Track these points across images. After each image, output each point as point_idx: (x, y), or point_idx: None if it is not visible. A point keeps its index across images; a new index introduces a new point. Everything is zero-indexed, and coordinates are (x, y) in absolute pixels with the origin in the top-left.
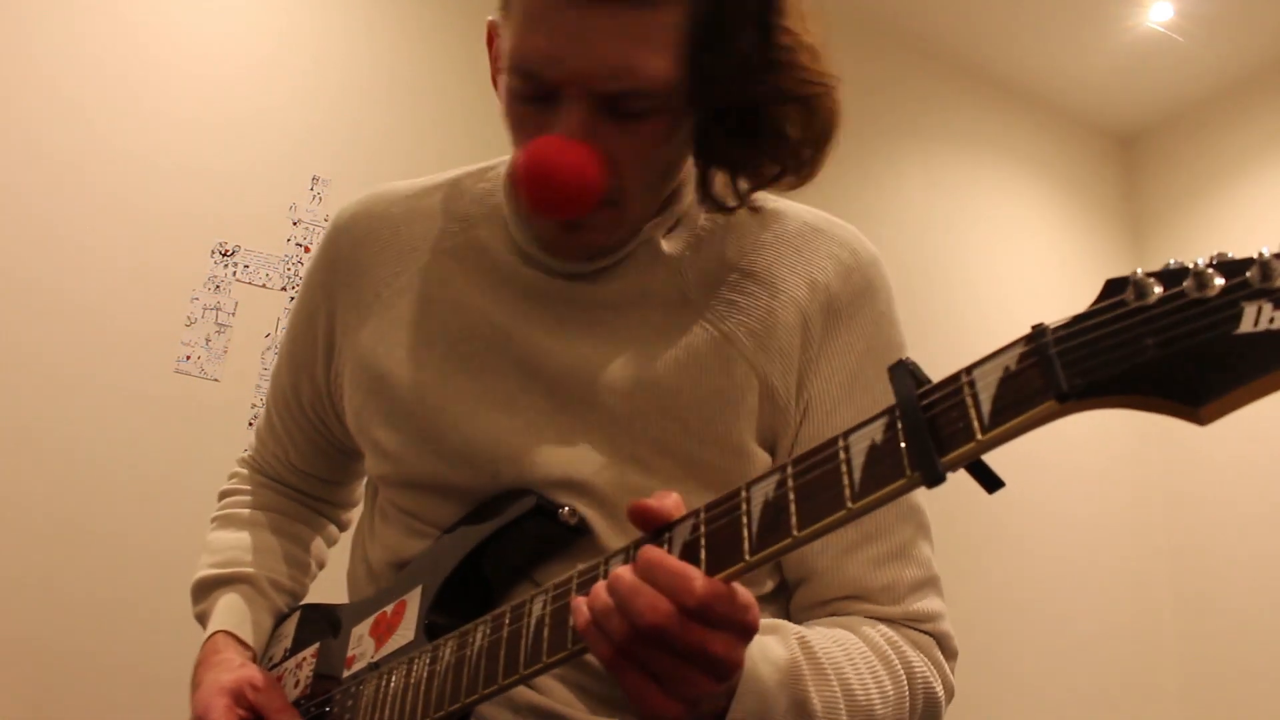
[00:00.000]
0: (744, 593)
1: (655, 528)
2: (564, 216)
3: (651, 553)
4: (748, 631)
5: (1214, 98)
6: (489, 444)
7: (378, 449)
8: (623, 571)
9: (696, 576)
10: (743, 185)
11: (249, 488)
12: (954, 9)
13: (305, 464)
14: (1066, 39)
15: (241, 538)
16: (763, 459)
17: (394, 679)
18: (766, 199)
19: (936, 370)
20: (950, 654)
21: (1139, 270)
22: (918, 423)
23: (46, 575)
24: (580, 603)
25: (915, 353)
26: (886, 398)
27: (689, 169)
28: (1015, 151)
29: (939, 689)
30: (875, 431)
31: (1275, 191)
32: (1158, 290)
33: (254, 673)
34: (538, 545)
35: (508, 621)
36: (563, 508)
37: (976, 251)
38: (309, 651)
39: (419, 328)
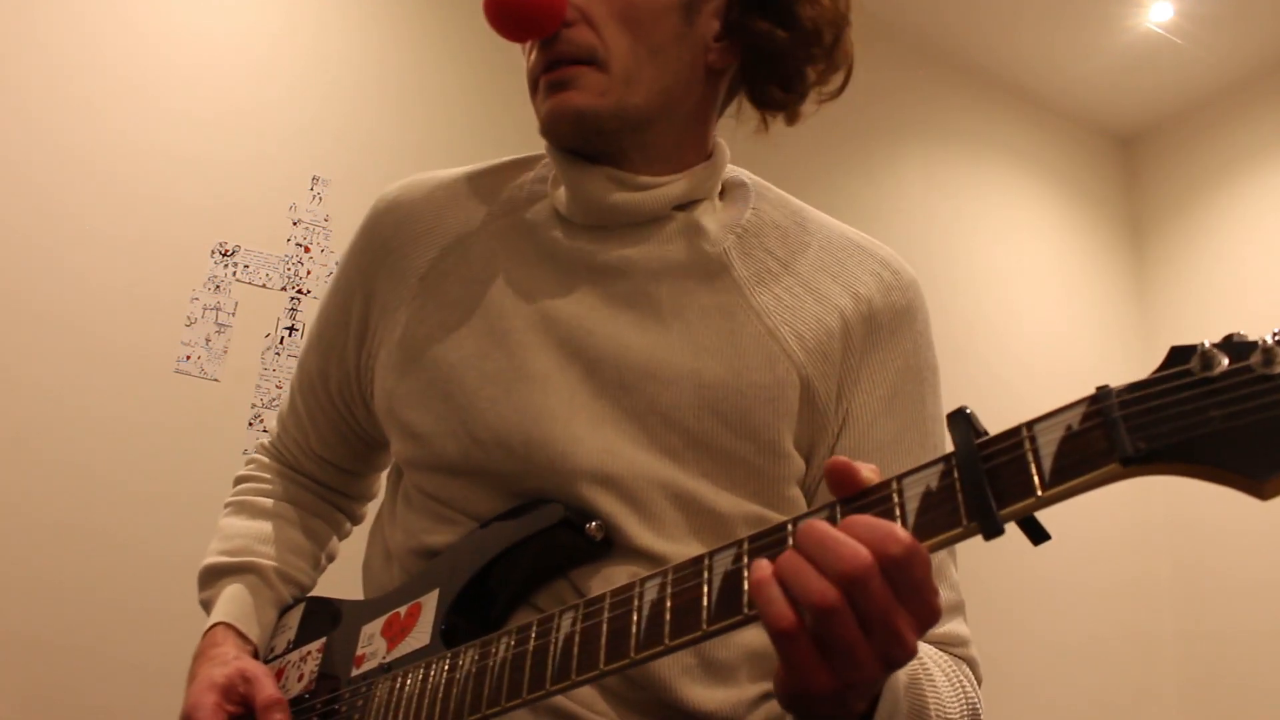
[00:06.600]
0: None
1: (847, 495)
2: (531, 31)
3: (849, 511)
4: (930, 616)
5: (1214, 98)
6: (523, 425)
7: (408, 431)
8: (814, 522)
9: (899, 529)
10: (776, 93)
11: (266, 475)
12: (954, 9)
13: (326, 451)
14: (1066, 39)
15: (253, 526)
16: (798, 463)
17: (409, 682)
18: (807, 209)
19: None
20: (979, 680)
21: (1206, 342)
22: (977, 474)
23: (46, 575)
24: (762, 562)
25: None
26: (923, 416)
27: (721, 148)
28: (1015, 151)
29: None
30: (931, 477)
31: (1275, 192)
32: (1224, 363)
33: (248, 664)
34: (562, 556)
35: (534, 635)
36: (590, 522)
37: (976, 251)
38: (314, 646)
39: (460, 308)
